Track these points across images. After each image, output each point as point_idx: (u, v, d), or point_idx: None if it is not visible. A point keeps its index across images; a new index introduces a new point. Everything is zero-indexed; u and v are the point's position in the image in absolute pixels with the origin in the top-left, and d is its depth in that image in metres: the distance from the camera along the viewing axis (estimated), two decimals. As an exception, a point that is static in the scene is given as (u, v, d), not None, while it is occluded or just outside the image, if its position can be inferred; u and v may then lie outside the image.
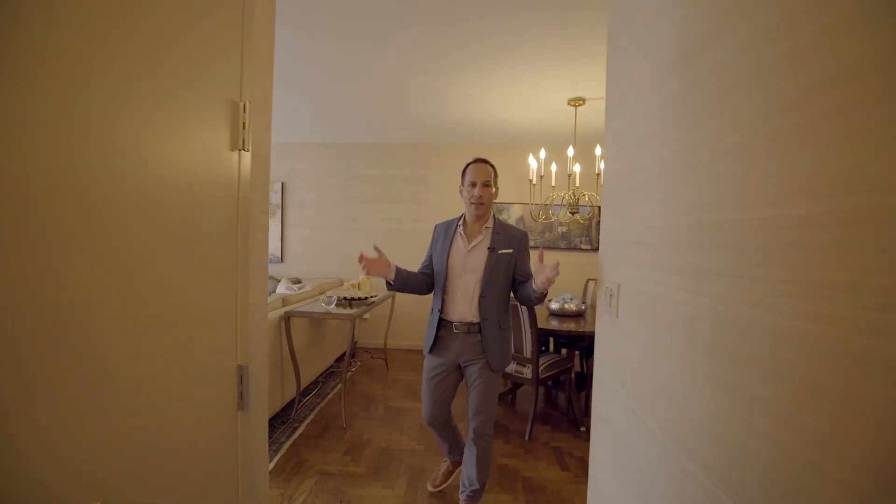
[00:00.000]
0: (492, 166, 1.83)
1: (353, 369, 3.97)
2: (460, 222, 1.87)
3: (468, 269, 1.79)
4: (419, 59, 2.61)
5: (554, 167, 3.31)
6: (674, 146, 0.91)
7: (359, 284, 3.51)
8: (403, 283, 1.80)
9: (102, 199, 0.58)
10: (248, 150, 0.94)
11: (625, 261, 1.17)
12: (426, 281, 1.89)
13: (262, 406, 1.06)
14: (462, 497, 1.85)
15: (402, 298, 4.44)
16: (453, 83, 2.97)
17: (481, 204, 1.78)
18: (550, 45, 2.37)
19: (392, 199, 4.81)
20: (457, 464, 2.10)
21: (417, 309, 4.54)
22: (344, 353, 4.07)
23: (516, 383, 3.28)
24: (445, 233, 1.88)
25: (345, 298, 3.18)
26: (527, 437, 2.66)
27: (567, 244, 4.68)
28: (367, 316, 4.60)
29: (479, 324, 1.77)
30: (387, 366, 4.06)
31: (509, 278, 1.80)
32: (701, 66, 0.81)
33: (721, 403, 0.71)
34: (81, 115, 0.55)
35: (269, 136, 1.07)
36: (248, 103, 0.93)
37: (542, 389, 3.50)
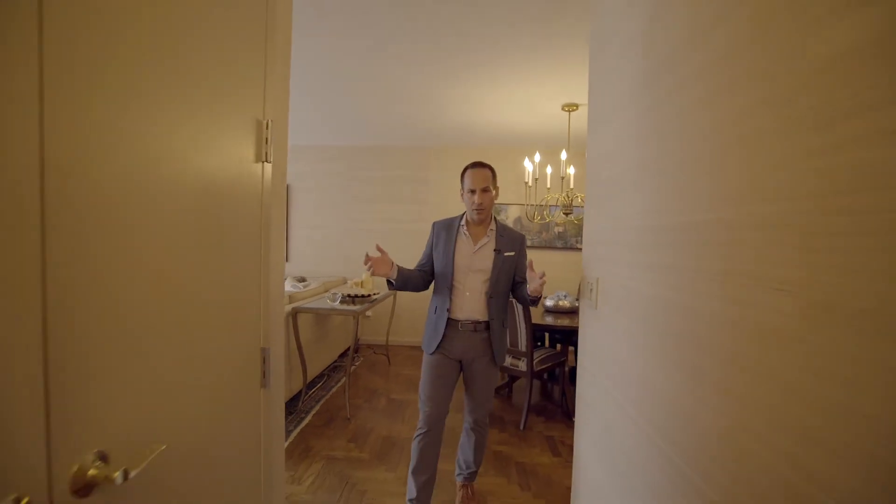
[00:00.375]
0: (490, 169, 1.83)
1: (356, 364, 4.12)
2: (463, 222, 1.87)
3: (475, 269, 1.81)
4: (420, 67, 2.75)
5: (549, 170, 3.46)
6: (639, 159, 1.05)
7: (361, 283, 3.66)
8: (405, 281, 1.83)
9: (165, 201, 0.73)
10: (269, 162, 1.09)
11: (602, 258, 1.32)
12: (424, 279, 1.91)
13: (280, 386, 1.20)
14: (459, 479, 2.00)
15: (403, 296, 4.58)
16: (452, 90, 3.11)
17: (482, 209, 1.79)
18: (544, 56, 2.51)
19: (393, 199, 4.95)
20: None
21: (418, 306, 4.68)
22: (347, 349, 4.21)
23: (513, 376, 3.43)
24: (447, 232, 1.88)
25: (348, 296, 3.33)
26: (521, 427, 2.80)
27: (563, 244, 4.82)
28: (369, 313, 4.73)
29: (486, 322, 1.81)
30: (389, 361, 4.21)
31: (511, 279, 1.85)
32: (656, 94, 0.96)
33: (673, 378, 0.85)
34: (154, 137, 0.69)
35: (286, 149, 1.21)
36: (270, 121, 1.08)
37: (537, 383, 3.64)
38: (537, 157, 3.19)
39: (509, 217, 4.84)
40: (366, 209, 4.99)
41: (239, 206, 0.97)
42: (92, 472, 0.58)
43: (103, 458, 0.61)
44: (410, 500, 1.80)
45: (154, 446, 0.68)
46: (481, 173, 1.79)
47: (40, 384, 0.52)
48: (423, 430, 1.79)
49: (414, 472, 1.80)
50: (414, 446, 1.81)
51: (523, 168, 4.35)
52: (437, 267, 1.88)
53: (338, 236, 5.02)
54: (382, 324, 4.75)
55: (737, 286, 0.66)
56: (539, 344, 3.52)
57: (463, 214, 1.91)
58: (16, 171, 0.49)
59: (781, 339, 0.56)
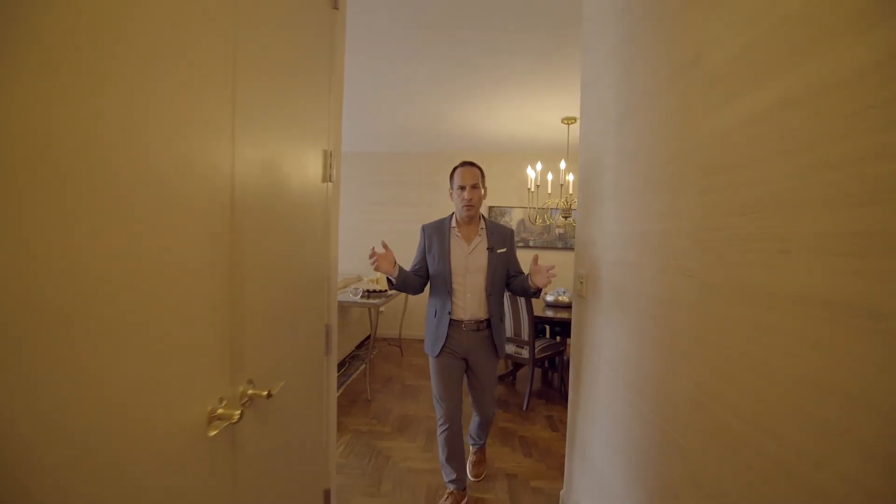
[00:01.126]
0: (479, 168, 1.88)
1: (372, 355, 4.46)
2: (453, 223, 1.91)
3: (472, 269, 1.85)
4: (433, 86, 3.08)
5: (550, 177, 3.78)
6: (613, 180, 1.38)
7: (377, 280, 4.00)
8: (404, 282, 1.86)
9: (282, 205, 1.06)
10: (332, 182, 1.43)
11: (589, 257, 1.64)
12: (420, 282, 1.95)
13: (335, 354, 1.54)
14: (472, 446, 2.29)
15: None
16: (462, 105, 3.44)
17: (471, 206, 1.84)
18: (545, 77, 2.84)
19: (405, 202, 5.29)
20: (463, 493, 2.00)
21: (426, 303, 5.01)
22: (364, 339, 4.56)
23: (517, 364, 3.76)
24: (439, 235, 1.91)
25: (367, 291, 3.66)
26: (524, 408, 3.13)
27: (563, 244, 5.14)
28: (382, 309, 5.08)
29: (487, 320, 1.89)
30: (401, 352, 4.55)
31: (505, 274, 1.92)
32: (623, 132, 1.29)
33: (638, 345, 1.18)
34: (278, 162, 1.03)
35: (340, 170, 1.55)
36: (331, 151, 1.41)
37: (538, 370, 3.97)
38: (539, 166, 3.52)
39: (513, 219, 5.17)
40: (379, 211, 5.33)
41: (311, 215, 1.31)
42: (250, 391, 0.92)
43: (251, 383, 0.94)
44: (451, 481, 1.96)
45: (279, 381, 1.02)
46: (470, 171, 1.85)
47: (227, 341, 0.86)
48: (446, 426, 1.91)
49: (447, 461, 1.95)
50: (440, 440, 1.95)
51: (526, 175, 4.67)
52: (434, 270, 1.91)
53: (353, 236, 5.36)
54: (395, 318, 5.09)
55: (668, 275, 0.99)
56: (540, 335, 3.85)
57: (451, 216, 1.94)
58: (223, 178, 0.83)
59: (689, 310, 0.89)
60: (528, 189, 3.62)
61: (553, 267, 1.72)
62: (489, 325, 1.89)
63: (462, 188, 1.84)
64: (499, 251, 1.88)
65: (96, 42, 0.54)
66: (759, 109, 0.68)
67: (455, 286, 1.86)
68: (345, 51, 1.53)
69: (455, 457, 1.95)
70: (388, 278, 1.82)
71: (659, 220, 1.05)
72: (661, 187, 1.04)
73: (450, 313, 1.87)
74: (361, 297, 3.54)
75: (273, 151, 1.02)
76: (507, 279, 1.95)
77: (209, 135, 0.77)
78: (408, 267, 1.98)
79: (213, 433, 0.77)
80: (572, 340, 1.91)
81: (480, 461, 2.25)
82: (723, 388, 0.76)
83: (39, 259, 0.47)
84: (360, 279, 5.02)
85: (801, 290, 0.59)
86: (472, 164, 1.89)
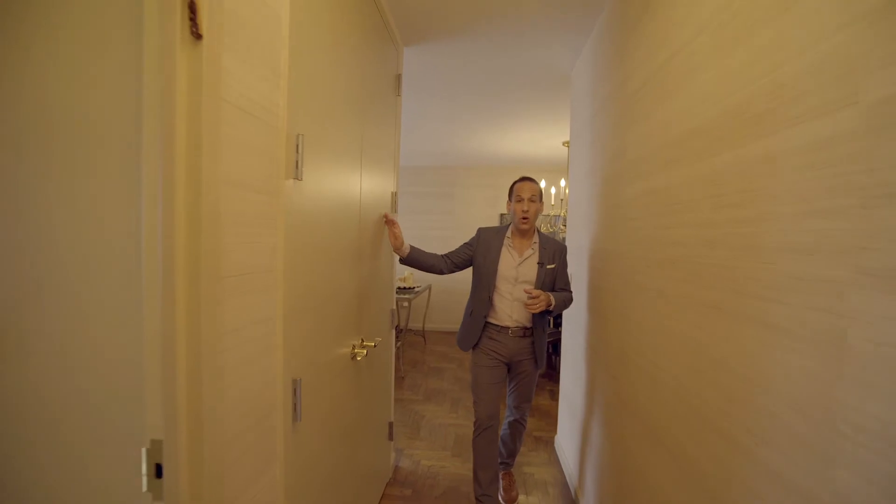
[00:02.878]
0: (537, 184, 1.94)
1: (399, 343, 5.16)
2: (509, 233, 1.97)
3: (521, 280, 1.90)
4: (451, 117, 3.75)
5: (553, 190, 4.43)
6: (588, 209, 2.05)
7: (404, 278, 4.69)
8: (416, 261, 1.94)
9: (369, 227, 1.75)
10: (396, 213, 2.11)
11: (575, 262, 2.30)
12: (444, 264, 1.99)
13: (392, 333, 2.22)
14: (501, 468, 2.18)
15: (437, 290, 5.60)
16: (475, 132, 4.10)
17: (527, 218, 1.88)
18: (548, 114, 3.48)
19: (425, 211, 5.97)
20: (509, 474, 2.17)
21: (449, 298, 5.70)
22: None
23: (524, 351, 4.41)
24: (494, 241, 1.97)
25: (399, 288, 4.36)
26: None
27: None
28: (405, 304, 5.77)
29: (532, 328, 1.94)
30: (425, 341, 5.24)
31: (552, 288, 1.94)
32: (591, 182, 1.95)
33: (603, 324, 1.85)
34: (372, 194, 1.71)
35: (397, 202, 2.23)
36: (395, 192, 2.10)
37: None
38: (542, 183, 4.16)
39: (522, 225, 5.82)
40: (401, 219, 6.02)
41: (382, 232, 1.99)
42: (364, 342, 1.61)
43: (363, 339, 1.63)
44: (480, 497, 1.93)
45: (377, 339, 1.70)
46: (530, 185, 1.91)
47: (356, 315, 1.54)
48: (482, 429, 1.92)
49: (479, 469, 1.93)
50: (475, 445, 1.95)
51: (533, 186, 5.28)
52: (480, 272, 1.98)
53: (379, 241, 6.06)
54: (418, 312, 5.78)
55: (606, 274, 1.65)
56: (544, 326, 4.50)
57: (508, 226, 2.00)
58: (355, 200, 1.52)
59: (612, 294, 1.55)
60: (534, 202, 4.27)
61: (532, 295, 1.77)
62: (533, 334, 1.95)
63: (520, 200, 1.89)
64: (548, 267, 1.92)
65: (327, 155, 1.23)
66: (642, 191, 1.34)
67: (503, 293, 1.93)
68: (401, 121, 2.21)
69: (488, 466, 1.93)
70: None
71: (603, 240, 1.71)
72: (606, 223, 1.70)
73: (485, 316, 1.95)
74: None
75: (370, 190, 1.70)
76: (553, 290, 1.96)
77: (355, 181, 1.47)
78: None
79: (355, 359, 1.46)
80: (564, 322, 2.57)
81: (510, 485, 2.17)
82: (634, 343, 1.42)
83: (340, 279, 1.17)
84: (387, 278, 5.71)
85: (679, 291, 1.24)
86: (531, 179, 1.95)
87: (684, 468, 1.01)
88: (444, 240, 5.76)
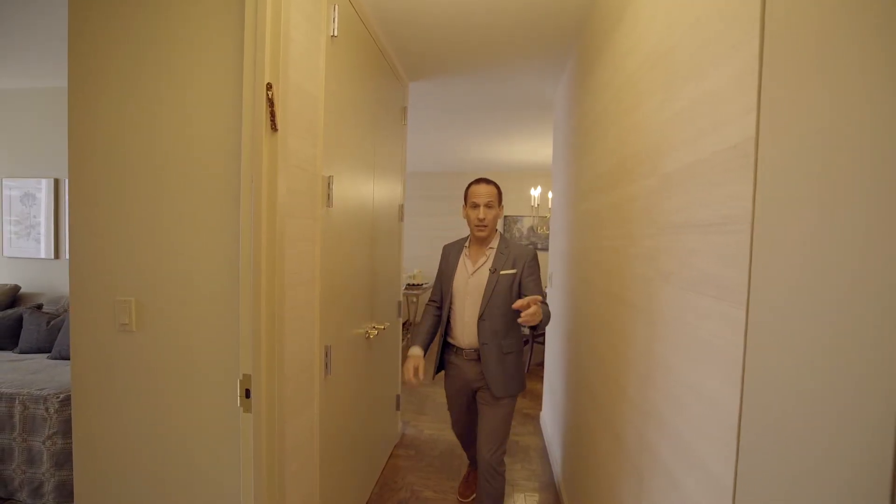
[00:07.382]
0: (496, 186, 1.72)
1: (407, 335, 5.61)
2: (467, 244, 1.80)
3: (470, 292, 1.71)
4: (453, 135, 4.17)
5: (551, 195, 4.82)
6: (562, 219, 2.46)
7: (414, 275, 5.14)
8: (430, 336, 1.87)
9: (381, 228, 2.19)
10: (402, 221, 2.54)
11: (555, 263, 2.71)
12: (433, 313, 1.87)
13: (399, 321, 2.65)
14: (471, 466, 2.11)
15: (441, 287, 6.03)
16: (473, 146, 4.52)
17: (484, 226, 1.68)
18: (540, 127, 3.88)
19: (431, 213, 6.41)
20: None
21: (452, 295, 6.12)
22: (404, 322, 5.71)
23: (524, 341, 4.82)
24: (453, 255, 1.82)
25: (408, 284, 4.81)
26: (525, 370, 4.20)
27: (565, 247, 6.17)
28: (414, 299, 6.22)
29: (478, 349, 1.69)
30: (431, 334, 5.69)
31: (513, 299, 1.64)
32: (567, 195, 2.36)
33: (574, 314, 2.26)
34: (387, 199, 2.15)
35: (404, 215, 2.66)
36: (402, 204, 2.53)
37: (539, 347, 5.02)
38: (539, 189, 4.56)
39: (524, 227, 6.21)
40: (408, 221, 6.46)
41: (391, 236, 2.42)
42: (376, 325, 2.05)
43: (374, 323, 2.07)
44: (472, 458, 2.09)
45: (386, 323, 2.14)
46: (487, 189, 1.69)
47: (370, 302, 1.98)
48: (457, 436, 2.07)
49: (465, 448, 2.13)
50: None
51: (530, 194, 5.69)
52: (443, 290, 1.82)
53: (390, 241, 6.52)
54: (425, 308, 6.23)
55: (576, 275, 2.05)
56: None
57: (468, 236, 1.81)
58: (369, 214, 1.96)
59: (570, 291, 1.96)
60: (531, 205, 4.67)
61: (528, 307, 1.49)
62: (479, 357, 1.69)
63: (475, 206, 1.69)
64: (503, 272, 1.68)
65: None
66: (586, 210, 1.75)
67: (456, 310, 1.74)
68: (406, 144, 2.64)
69: (466, 446, 2.11)
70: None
71: (569, 247, 2.11)
72: (571, 232, 2.11)
73: (446, 335, 1.79)
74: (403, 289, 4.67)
75: (381, 203, 2.14)
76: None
77: (368, 197, 1.90)
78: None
79: (368, 338, 1.90)
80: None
81: (471, 482, 2.12)
82: (583, 329, 1.83)
83: (369, 267, 1.61)
84: (397, 276, 6.17)
85: (600, 285, 1.65)
86: (487, 180, 1.72)
87: (614, 433, 1.42)
88: (449, 239, 6.18)
